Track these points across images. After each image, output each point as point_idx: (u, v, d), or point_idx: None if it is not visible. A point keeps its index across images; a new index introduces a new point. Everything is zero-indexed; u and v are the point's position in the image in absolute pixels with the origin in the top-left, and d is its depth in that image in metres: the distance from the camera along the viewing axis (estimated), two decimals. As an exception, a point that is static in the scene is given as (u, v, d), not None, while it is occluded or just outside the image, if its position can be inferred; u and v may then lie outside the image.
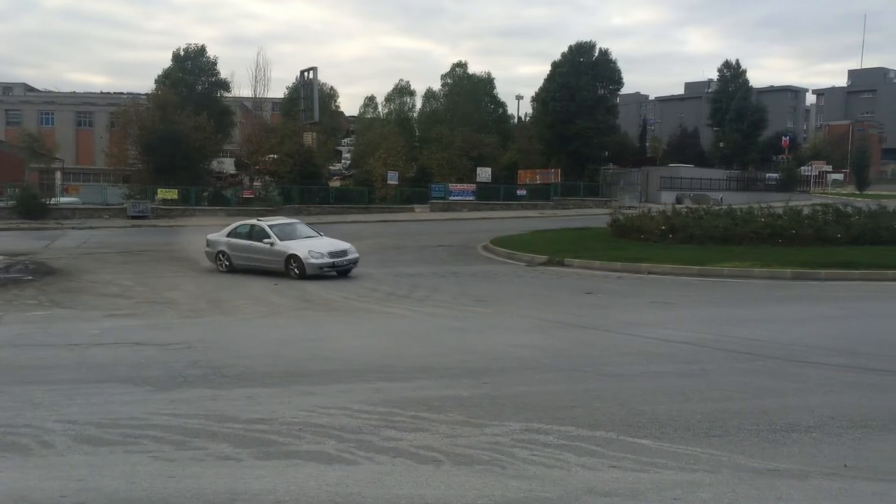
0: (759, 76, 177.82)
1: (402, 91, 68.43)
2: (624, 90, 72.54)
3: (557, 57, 64.39)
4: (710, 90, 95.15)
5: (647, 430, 6.60)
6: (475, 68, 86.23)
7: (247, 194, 46.25)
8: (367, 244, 25.01)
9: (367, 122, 67.15)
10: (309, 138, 50.28)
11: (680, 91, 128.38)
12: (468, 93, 65.22)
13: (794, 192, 58.88)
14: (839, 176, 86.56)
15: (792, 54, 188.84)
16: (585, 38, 69.08)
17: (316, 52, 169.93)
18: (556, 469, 5.70)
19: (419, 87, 73.93)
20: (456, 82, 66.88)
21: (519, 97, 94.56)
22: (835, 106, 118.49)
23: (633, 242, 23.79)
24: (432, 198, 50.25)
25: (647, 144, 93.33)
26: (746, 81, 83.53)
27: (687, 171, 65.93)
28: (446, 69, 68.82)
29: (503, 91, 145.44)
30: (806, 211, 25.17)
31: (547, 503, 5.11)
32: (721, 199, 50.06)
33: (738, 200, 41.43)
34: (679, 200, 45.99)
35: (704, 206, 30.39)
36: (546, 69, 64.83)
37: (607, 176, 61.00)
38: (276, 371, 9.11)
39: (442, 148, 54.54)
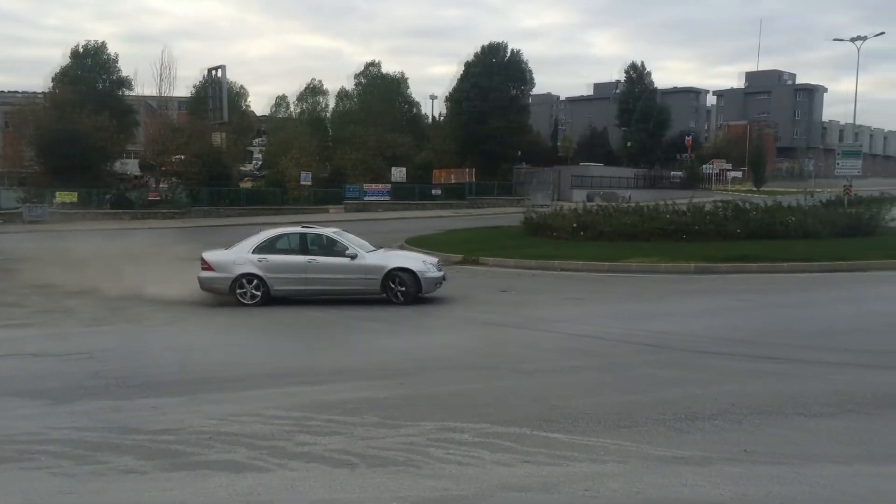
0: (663, 78, 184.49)
1: (314, 90, 67.64)
2: (535, 91, 73.80)
3: (470, 57, 64.93)
4: (617, 91, 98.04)
5: (561, 425, 6.71)
6: (388, 68, 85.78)
7: (152, 197, 44.68)
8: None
9: (278, 122, 65.98)
10: (218, 138, 49.03)
11: (589, 92, 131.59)
12: (382, 92, 65.01)
13: (697, 190, 61.17)
14: (738, 173, 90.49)
15: (693, 57, 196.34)
16: (497, 39, 69.66)
17: (223, 50, 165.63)
18: (471, 466, 5.73)
19: (332, 87, 72.98)
20: (369, 82, 66.58)
21: (433, 97, 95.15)
22: (733, 106, 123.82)
23: (546, 240, 24.21)
24: (347, 198, 49.84)
25: (558, 144, 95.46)
26: (651, 83, 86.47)
27: (597, 169, 67.71)
28: (359, 68, 68.43)
29: (417, 91, 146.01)
30: (708, 207, 26.20)
31: (461, 501, 5.12)
32: (629, 196, 51.57)
33: (645, 198, 42.80)
34: (590, 198, 47.11)
35: (614, 204, 31.25)
36: (459, 69, 65.28)
37: (520, 175, 61.97)
38: (184, 379, 8.83)
39: (356, 148, 54.18)
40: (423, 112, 71.08)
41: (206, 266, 14.38)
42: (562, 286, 16.72)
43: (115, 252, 19.26)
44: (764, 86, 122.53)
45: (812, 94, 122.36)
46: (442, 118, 70.52)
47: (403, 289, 13.90)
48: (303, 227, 15.39)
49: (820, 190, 51.28)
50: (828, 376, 8.55)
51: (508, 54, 65.02)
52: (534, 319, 12.42)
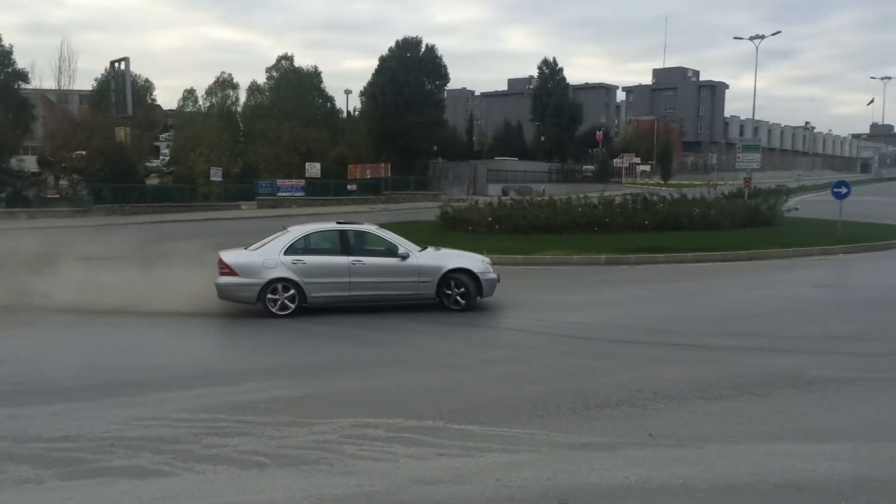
0: (576, 74, 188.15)
1: (224, 84, 65.88)
2: (450, 86, 74.17)
3: (385, 52, 64.71)
4: (531, 87, 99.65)
5: (475, 417, 6.76)
6: (302, 61, 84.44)
7: (52, 194, 42.65)
8: (187, 245, 23.85)
9: (187, 117, 63.96)
10: (122, 133, 47.12)
11: (503, 87, 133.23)
12: (295, 87, 63.96)
13: (608, 183, 62.90)
14: (647, 167, 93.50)
15: (604, 54, 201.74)
16: (412, 34, 69.83)
17: (128, 42, 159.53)
18: (384, 462, 5.70)
19: (243, 81, 71.72)
20: (282, 76, 65.40)
21: (348, 91, 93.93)
22: (642, 102, 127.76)
23: (462, 234, 24.34)
24: (259, 194, 48.85)
25: (474, 139, 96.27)
26: (564, 79, 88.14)
27: (512, 164, 68.65)
28: (271, 62, 67.42)
29: (332, 85, 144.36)
30: (618, 200, 27.01)
31: (374, 497, 5.10)
32: (543, 190, 52.50)
33: (558, 191, 43.66)
34: (505, 192, 47.71)
35: (528, 198, 31.74)
36: (374, 64, 65.01)
37: (437, 170, 62.22)
38: (86, 384, 8.45)
39: (269, 143, 53.10)
40: (339, 107, 70.35)
41: (227, 270, 12.00)
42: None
43: (4, 252, 18.19)
44: (670, 82, 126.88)
45: (715, 90, 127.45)
46: (357, 113, 70.04)
47: (462, 290, 12.20)
48: (338, 222, 13.27)
49: (722, 182, 53.58)
50: (728, 360, 8.92)
51: (423, 49, 65.14)
52: (450, 313, 12.47)
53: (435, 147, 65.36)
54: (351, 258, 12.11)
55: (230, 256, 12.25)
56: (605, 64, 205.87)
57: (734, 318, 11.63)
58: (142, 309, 12.96)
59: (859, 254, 20.10)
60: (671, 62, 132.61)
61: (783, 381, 7.82)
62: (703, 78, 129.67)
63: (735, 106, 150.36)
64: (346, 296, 12.18)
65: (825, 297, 13.80)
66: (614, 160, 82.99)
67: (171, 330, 11.96)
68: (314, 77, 66.24)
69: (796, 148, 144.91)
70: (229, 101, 65.97)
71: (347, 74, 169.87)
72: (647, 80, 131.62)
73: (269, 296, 11.90)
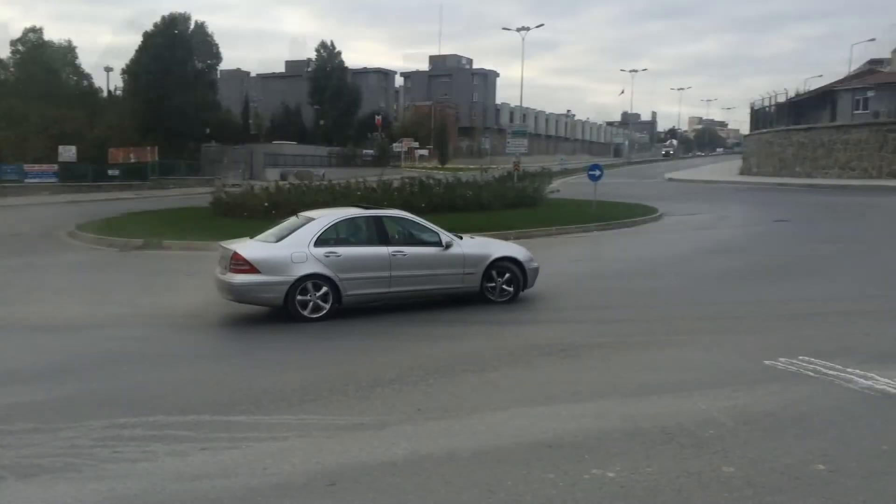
0: (355, 58, 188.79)
1: (-43, 57, 58.12)
2: (224, 66, 71.46)
3: (150, 27, 60.47)
4: (309, 69, 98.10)
5: (243, 407, 6.55)
6: (53, 35, 76.70)
7: None
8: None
9: None
10: None
11: (281, 69, 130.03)
12: (45, 62, 57.95)
13: (388, 167, 63.82)
14: (425, 151, 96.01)
15: (383, 39, 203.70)
16: (180, 9, 65.82)
17: None
18: (143, 462, 5.34)
19: (-19, 54, 63.36)
20: (29, 50, 58.97)
21: (108, 69, 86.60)
22: (419, 88, 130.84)
23: (238, 220, 23.45)
24: (3, 181, 43.71)
25: (250, 121, 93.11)
26: (342, 62, 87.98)
27: (291, 148, 67.38)
28: (17, 35, 60.17)
29: (89, 62, 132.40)
30: (396, 184, 27.47)
31: (129, 500, 4.75)
32: (323, 174, 52.08)
33: (338, 175, 43.49)
34: (284, 177, 46.69)
35: (307, 182, 31.30)
36: (138, 40, 60.48)
37: (210, 154, 59.48)
38: None
39: (14, 124, 47.69)
40: (98, 85, 64.82)
41: (247, 266, 10.00)
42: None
43: None
44: (446, 69, 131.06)
45: (487, 78, 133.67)
46: (119, 92, 64.94)
47: (508, 276, 11.12)
48: (365, 207, 11.59)
49: (495, 167, 56.31)
50: (493, 333, 9.43)
51: (192, 26, 61.89)
52: (222, 303, 11.94)
53: (208, 130, 62.41)
54: (390, 249, 10.62)
55: (249, 250, 10.24)
56: (384, 49, 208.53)
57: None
58: None
59: (611, 231, 22.08)
60: (447, 49, 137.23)
61: (540, 350, 8.39)
62: (476, 66, 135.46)
63: (506, 93, 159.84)
64: (385, 292, 10.70)
65: (580, 271, 14.96)
66: (393, 144, 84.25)
67: None
68: (68, 52, 60.57)
69: (559, 134, 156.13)
70: (-36, 77, 58.39)
71: (108, 51, 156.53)
72: (425, 66, 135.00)
73: (299, 296, 10.08)
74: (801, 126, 51.64)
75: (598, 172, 25.70)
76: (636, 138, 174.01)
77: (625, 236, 20.89)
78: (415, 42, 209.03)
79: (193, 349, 8.98)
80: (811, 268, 14.18)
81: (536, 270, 11.54)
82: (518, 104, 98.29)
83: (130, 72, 61.51)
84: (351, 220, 10.95)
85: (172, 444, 5.67)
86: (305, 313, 10.11)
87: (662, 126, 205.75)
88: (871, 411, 6.04)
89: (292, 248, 10.22)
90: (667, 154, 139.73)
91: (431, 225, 11.23)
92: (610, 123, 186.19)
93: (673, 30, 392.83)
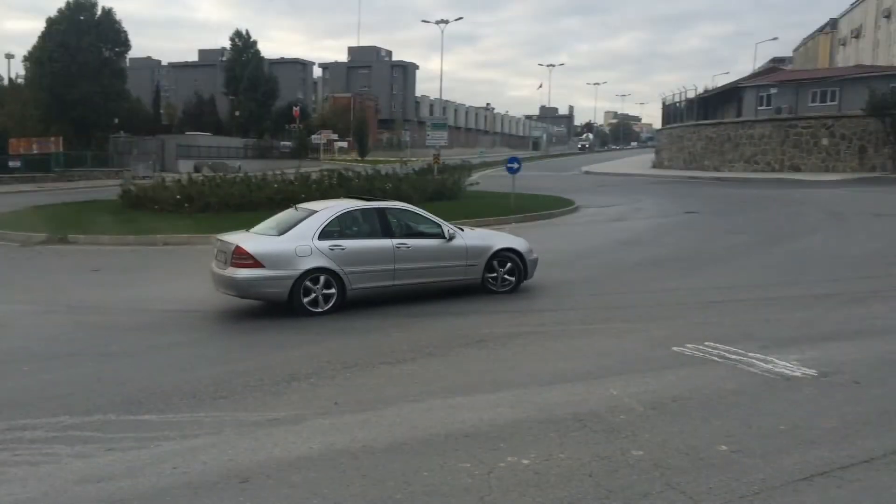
0: (271, 48, 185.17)
1: None
2: (134, 54, 68.96)
3: (53, 12, 57.71)
4: (223, 59, 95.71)
5: (151, 405, 6.35)
6: (-56, 17, 72.11)
7: None
8: None
9: None
10: None
11: (194, 58, 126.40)
12: (-64, 46, 54.50)
13: (306, 160, 62.87)
14: (344, 144, 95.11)
15: (301, 29, 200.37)
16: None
17: None
18: (44, 465, 5.11)
19: None
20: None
21: (9, 56, 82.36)
22: (338, 79, 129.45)
23: (148, 214, 22.75)
24: None
25: (161, 112, 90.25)
26: (258, 52, 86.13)
27: (205, 139, 65.61)
28: None
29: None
30: (314, 176, 27.12)
31: (29, 506, 4.54)
32: (239, 167, 50.94)
33: (255, 168, 42.65)
34: (197, 169, 45.49)
35: (221, 175, 30.56)
36: (41, 25, 57.66)
37: (119, 145, 57.29)
38: None
39: None
40: (-3, 72, 61.43)
41: (250, 261, 9.69)
42: (165, 262, 15.89)
43: None
44: (365, 61, 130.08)
45: (406, 70, 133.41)
46: (22, 80, 61.78)
47: (510, 265, 11.19)
48: (366, 199, 11.54)
49: (415, 159, 56.35)
50: (411, 326, 9.42)
51: (99, 12, 59.31)
52: (127, 299, 11.56)
53: (116, 120, 60.13)
54: (394, 241, 10.51)
55: (252, 244, 9.90)
56: (302, 39, 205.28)
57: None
58: None
59: (529, 223, 22.39)
60: (366, 41, 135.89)
61: (458, 341, 8.45)
62: (395, 58, 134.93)
63: (425, 86, 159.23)
64: (389, 285, 10.54)
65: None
66: (312, 136, 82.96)
67: None
68: (-38, 36, 56.99)
69: (479, 127, 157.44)
70: None
71: (9, 37, 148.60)
72: (344, 57, 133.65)
73: (304, 291, 9.84)
74: (709, 121, 53.60)
75: (516, 165, 25.97)
76: (554, 132, 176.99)
77: (542, 228, 21.22)
78: (333, 33, 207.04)
79: (101, 347, 8.62)
80: (718, 257, 14.74)
81: (536, 262, 11.63)
82: (438, 97, 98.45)
83: (33, 59, 58.58)
84: (354, 213, 10.76)
85: (77, 445, 5.44)
86: (310, 308, 9.90)
87: (579, 120, 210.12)
88: (770, 393, 6.32)
89: (296, 241, 9.98)
90: (583, 147, 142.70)
91: (433, 217, 11.22)
92: (528, 117, 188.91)
93: (589, 26, 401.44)
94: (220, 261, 10.15)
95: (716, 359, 7.33)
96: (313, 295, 9.92)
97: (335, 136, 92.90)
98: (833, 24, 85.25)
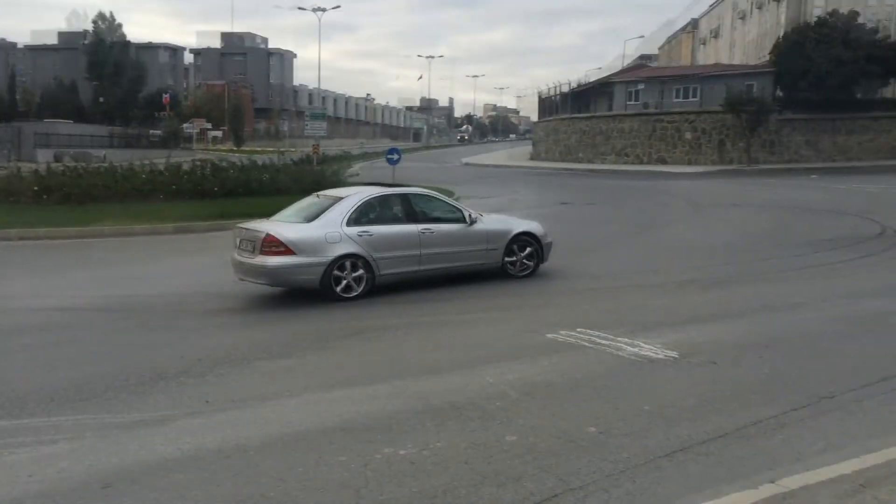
0: (138, 32, 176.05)
1: None
2: (-17, 34, 63.51)
3: None
4: (86, 42, 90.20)
5: (5, 411, 5.92)
6: None
7: None
8: None
9: None
10: None
11: (53, 41, 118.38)
12: None
13: (178, 149, 60.44)
14: (219, 133, 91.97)
15: (170, 13, 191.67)
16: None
17: None
18: None
19: None
20: None
21: None
22: (211, 66, 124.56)
23: (2, 206, 21.16)
24: None
25: (17, 97, 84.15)
26: (124, 35, 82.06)
27: (66, 127, 61.82)
28: None
29: None
30: (186, 167, 26.07)
31: None
32: (104, 156, 48.17)
33: (122, 158, 40.53)
34: (58, 158, 42.73)
35: (83, 164, 28.86)
36: None
37: (-32, 132, 52.94)
38: None
39: None
40: None
41: (282, 248, 9.58)
42: (20, 258, 14.87)
43: None
44: (239, 47, 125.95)
45: (283, 58, 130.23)
46: None
47: (530, 250, 11.42)
48: (387, 186, 11.54)
49: (294, 150, 55.19)
50: (287, 318, 9.25)
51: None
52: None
53: (-35, 105, 55.50)
54: (419, 227, 10.59)
55: (283, 232, 9.79)
56: (172, 24, 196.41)
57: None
58: None
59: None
60: (241, 27, 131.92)
61: (336, 334, 8.36)
62: (272, 45, 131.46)
63: (304, 75, 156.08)
64: (415, 270, 10.62)
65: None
66: (184, 125, 79.68)
67: None
68: None
69: (360, 118, 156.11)
70: None
71: None
72: (217, 43, 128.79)
73: (335, 276, 9.81)
74: (582, 115, 55.58)
75: (396, 156, 26.00)
76: (435, 123, 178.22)
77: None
78: (206, 18, 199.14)
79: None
80: (590, 247, 15.30)
81: (551, 245, 11.86)
82: (317, 86, 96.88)
83: None
84: (380, 199, 10.78)
85: (-86, 459, 5.00)
86: (343, 294, 9.92)
87: (460, 112, 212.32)
88: (636, 375, 6.63)
89: (326, 228, 9.99)
90: (462, 139, 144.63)
91: (454, 202, 11.44)
92: (409, 108, 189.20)
93: (468, 18, 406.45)
94: (245, 249, 10.05)
95: (587, 344, 7.61)
96: (344, 282, 9.96)
97: (209, 126, 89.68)
98: (694, 24, 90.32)
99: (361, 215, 10.37)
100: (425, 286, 11.13)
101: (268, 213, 19.70)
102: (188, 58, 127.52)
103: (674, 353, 7.19)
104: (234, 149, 76.02)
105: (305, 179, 27.16)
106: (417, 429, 5.39)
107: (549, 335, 7.97)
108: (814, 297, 9.97)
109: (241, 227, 10.57)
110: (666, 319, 8.77)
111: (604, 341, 7.65)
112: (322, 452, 4.98)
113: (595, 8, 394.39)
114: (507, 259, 11.41)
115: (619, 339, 7.71)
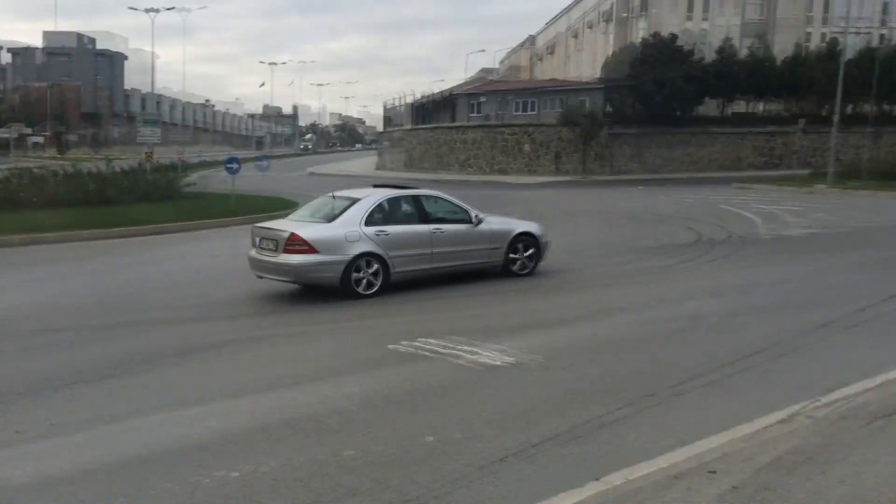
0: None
1: None
2: None
3: None
4: None
5: None
6: None
7: None
8: None
9: None
10: None
11: None
12: None
13: (-7, 156, 55.36)
14: (40, 139, 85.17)
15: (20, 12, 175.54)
16: None
17: None
18: None
19: None
20: None
21: None
22: (31, 67, 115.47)
23: None
24: None
25: None
26: (-75, 30, 73.78)
27: None
28: None
29: None
30: (0, 175, 23.98)
31: None
32: None
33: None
34: None
35: None
36: None
37: None
38: None
39: None
40: None
41: (305, 247, 10.14)
42: None
43: None
44: (64, 48, 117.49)
45: (113, 60, 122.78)
46: None
47: (531, 251, 12.14)
48: (396, 187, 12.10)
49: (125, 157, 52.13)
50: (116, 336, 8.67)
51: None
52: None
53: None
54: (431, 227, 11.25)
55: (307, 231, 10.37)
56: (24, 26, 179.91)
57: (150, 290, 11.69)
58: None
59: (250, 224, 21.76)
60: (65, 26, 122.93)
61: (167, 352, 7.92)
62: (101, 46, 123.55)
63: (137, 79, 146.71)
64: (427, 269, 11.25)
65: (217, 266, 14.43)
66: (0, 130, 73.16)
67: None
68: None
69: (198, 124, 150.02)
70: None
71: None
72: (38, 42, 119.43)
73: (354, 274, 10.39)
74: (427, 126, 56.47)
75: (235, 166, 25.13)
76: (279, 132, 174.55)
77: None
78: (25, 15, 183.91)
79: None
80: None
81: (548, 245, 12.57)
82: (150, 90, 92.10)
83: None
84: (394, 200, 11.35)
85: None
86: (362, 291, 10.45)
87: (305, 120, 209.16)
88: (475, 383, 6.74)
89: (346, 227, 10.54)
90: (305, 148, 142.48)
91: (461, 202, 11.94)
92: (252, 115, 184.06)
93: (313, 26, 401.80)
94: (266, 248, 10.55)
95: (428, 353, 7.66)
96: (364, 280, 10.52)
97: (28, 131, 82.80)
98: (532, 40, 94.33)
99: (378, 215, 10.97)
100: (265, 300, 10.83)
101: (97, 224, 18.55)
102: (5, 57, 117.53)
103: (510, 360, 7.38)
104: (58, 156, 70.73)
105: (138, 188, 25.89)
106: (251, 449, 5.18)
107: (390, 346, 7.95)
108: (644, 300, 10.54)
109: (261, 227, 11.08)
110: (503, 326, 9.00)
111: (444, 350, 7.73)
112: (145, 480, 4.67)
113: (439, 20, 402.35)
114: (510, 257, 12.06)
115: (458, 347, 7.82)
